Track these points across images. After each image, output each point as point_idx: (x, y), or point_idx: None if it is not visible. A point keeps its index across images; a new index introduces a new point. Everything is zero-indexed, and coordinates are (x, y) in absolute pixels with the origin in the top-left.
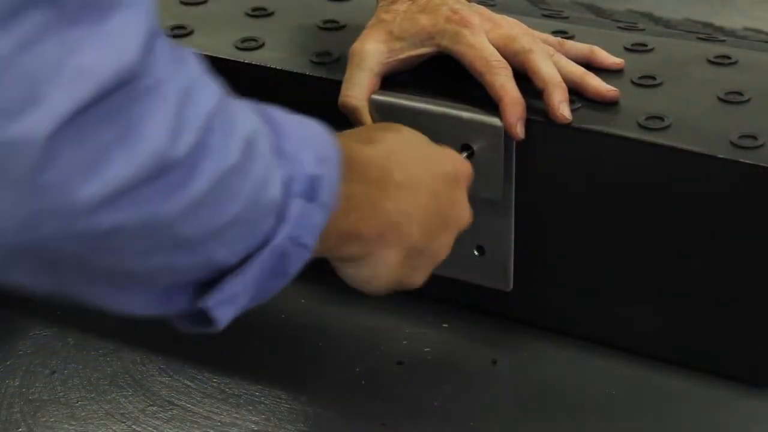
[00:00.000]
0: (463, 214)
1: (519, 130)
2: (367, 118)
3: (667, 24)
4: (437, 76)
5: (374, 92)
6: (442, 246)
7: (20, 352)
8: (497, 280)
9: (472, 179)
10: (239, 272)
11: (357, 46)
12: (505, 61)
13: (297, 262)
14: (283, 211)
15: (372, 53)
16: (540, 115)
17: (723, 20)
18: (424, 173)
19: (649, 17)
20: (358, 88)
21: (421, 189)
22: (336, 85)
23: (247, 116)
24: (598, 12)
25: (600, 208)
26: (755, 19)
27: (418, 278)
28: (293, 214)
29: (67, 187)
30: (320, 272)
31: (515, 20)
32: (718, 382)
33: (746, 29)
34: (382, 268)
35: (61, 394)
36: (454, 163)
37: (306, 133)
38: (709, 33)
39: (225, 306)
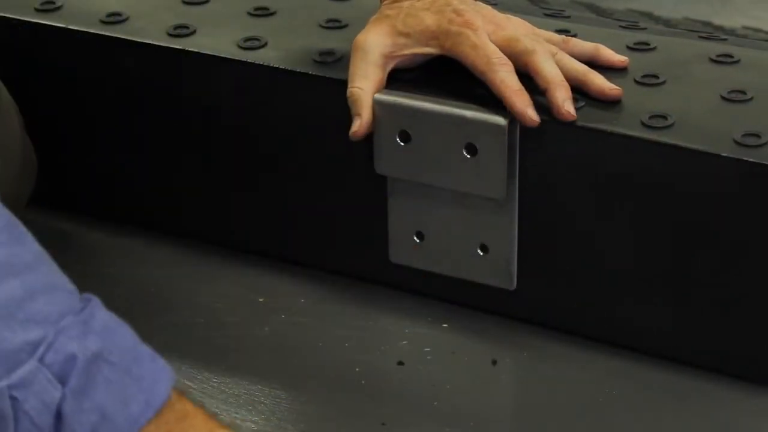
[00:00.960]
0: None
1: (531, 114)
2: (367, 113)
3: (666, 23)
4: (441, 75)
5: (381, 86)
6: None
7: None
8: (501, 278)
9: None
10: None
11: (360, 38)
12: (506, 58)
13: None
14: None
15: (375, 45)
16: (543, 114)
17: (722, 20)
18: None
19: (649, 16)
20: (365, 81)
21: None
22: (339, 85)
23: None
24: (598, 11)
25: (603, 207)
26: (754, 19)
27: None
28: (23, 376)
29: None
30: (320, 272)
31: (520, 20)
32: (722, 380)
33: (745, 28)
34: None
35: None
36: None
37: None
38: (709, 32)
39: None
